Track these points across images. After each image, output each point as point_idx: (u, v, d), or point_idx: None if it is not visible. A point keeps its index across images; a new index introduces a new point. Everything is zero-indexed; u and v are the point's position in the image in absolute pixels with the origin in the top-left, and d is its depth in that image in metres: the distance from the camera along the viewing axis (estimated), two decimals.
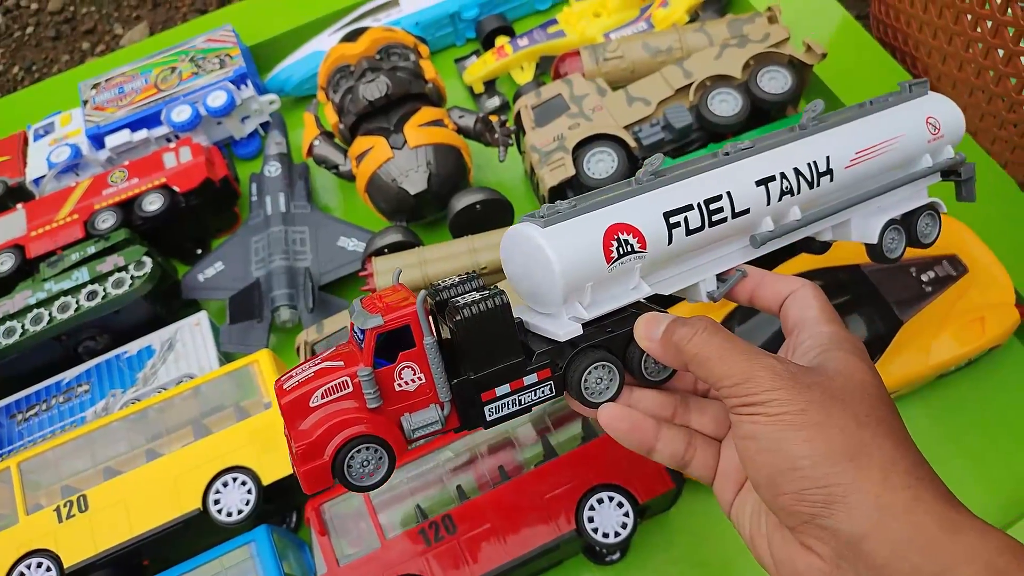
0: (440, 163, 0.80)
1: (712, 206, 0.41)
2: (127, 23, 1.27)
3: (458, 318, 0.38)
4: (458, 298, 0.39)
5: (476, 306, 0.38)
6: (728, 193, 0.41)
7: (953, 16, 0.78)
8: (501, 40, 0.99)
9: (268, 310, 0.81)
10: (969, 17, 0.76)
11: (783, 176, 0.43)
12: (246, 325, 0.80)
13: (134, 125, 0.93)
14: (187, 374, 0.77)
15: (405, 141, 0.80)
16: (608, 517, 0.62)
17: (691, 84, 0.81)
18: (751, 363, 0.35)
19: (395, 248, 0.79)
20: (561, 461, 0.65)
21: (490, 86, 0.99)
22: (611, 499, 0.62)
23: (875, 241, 0.47)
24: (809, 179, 0.43)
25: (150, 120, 0.93)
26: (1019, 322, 0.71)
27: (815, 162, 0.44)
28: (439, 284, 0.41)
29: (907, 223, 0.49)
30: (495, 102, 0.97)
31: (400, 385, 0.39)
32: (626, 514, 0.62)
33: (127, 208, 0.86)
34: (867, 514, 0.32)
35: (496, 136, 0.84)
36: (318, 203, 0.94)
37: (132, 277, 0.79)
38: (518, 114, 0.84)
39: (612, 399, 0.41)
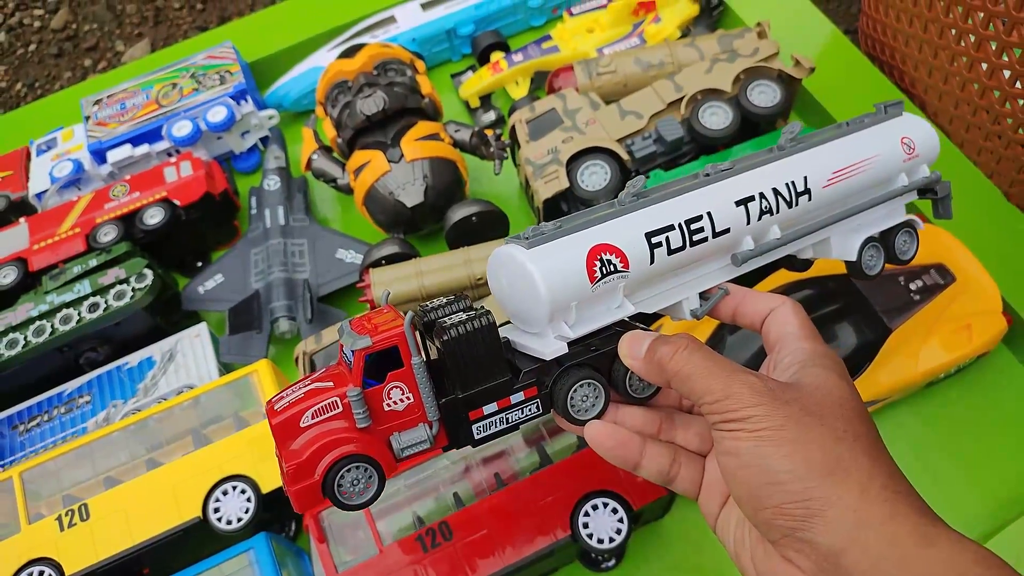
0: (436, 176, 0.82)
1: (693, 226, 0.42)
2: (129, 40, 1.29)
3: (445, 338, 0.39)
4: (445, 318, 0.40)
5: (463, 326, 0.39)
6: (708, 213, 0.42)
7: (938, 31, 0.80)
8: (496, 56, 1.01)
9: (267, 321, 0.82)
10: (953, 32, 0.78)
11: (762, 196, 0.44)
12: (245, 336, 0.81)
13: (135, 140, 0.94)
14: (187, 384, 0.78)
15: (402, 155, 0.82)
16: (603, 523, 0.63)
17: (682, 98, 0.83)
18: (731, 380, 0.36)
19: (392, 260, 0.80)
20: (556, 468, 0.66)
21: (486, 100, 1.00)
22: (606, 505, 0.63)
23: (854, 258, 0.48)
24: (788, 198, 0.45)
25: (151, 135, 0.94)
26: (1006, 329, 0.72)
27: (793, 182, 0.45)
28: (427, 305, 0.42)
29: (885, 240, 0.50)
30: (491, 116, 0.99)
31: (389, 405, 0.39)
32: (620, 520, 0.63)
33: (128, 222, 0.87)
34: (845, 528, 0.33)
35: (491, 149, 0.85)
36: (316, 216, 0.95)
37: (133, 289, 0.80)
38: (513, 128, 0.86)
39: (598, 416, 0.42)
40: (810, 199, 0.46)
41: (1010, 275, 0.74)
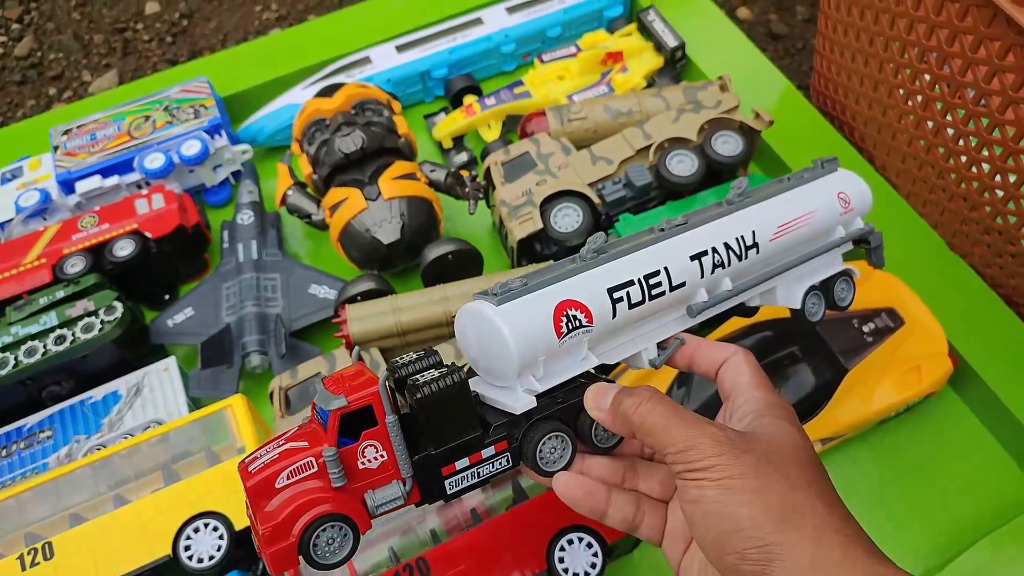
0: (413, 215, 0.83)
1: (651, 280, 0.45)
2: (96, 70, 1.28)
3: (418, 396, 0.40)
4: (418, 376, 0.42)
5: (436, 384, 0.40)
6: (665, 268, 0.45)
7: (887, 91, 0.86)
8: (469, 99, 1.04)
9: (239, 356, 0.82)
10: (901, 92, 0.84)
11: (715, 250, 0.47)
12: (216, 371, 0.81)
13: (105, 171, 0.93)
14: (155, 420, 0.77)
15: (379, 193, 0.83)
16: (578, 558, 0.64)
17: (651, 145, 0.87)
18: (693, 431, 0.39)
19: (368, 296, 0.81)
20: (531, 504, 0.67)
21: (458, 142, 1.03)
22: (580, 540, 0.65)
23: (799, 306, 0.52)
24: (738, 252, 0.48)
25: (122, 167, 0.94)
26: (951, 371, 0.76)
27: (743, 236, 0.48)
28: (397, 361, 0.43)
29: (825, 288, 0.54)
30: (463, 157, 1.01)
31: (364, 463, 0.40)
32: (595, 554, 0.64)
33: (97, 253, 0.86)
34: (802, 571, 0.35)
35: (467, 190, 0.87)
36: (288, 251, 0.96)
37: (102, 322, 0.79)
38: (488, 170, 0.88)
39: (566, 467, 0.44)
40: (758, 252, 0.49)
41: (954, 320, 0.79)
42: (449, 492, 0.43)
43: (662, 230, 0.47)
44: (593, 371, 0.45)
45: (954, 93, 0.75)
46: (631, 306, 0.44)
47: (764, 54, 1.06)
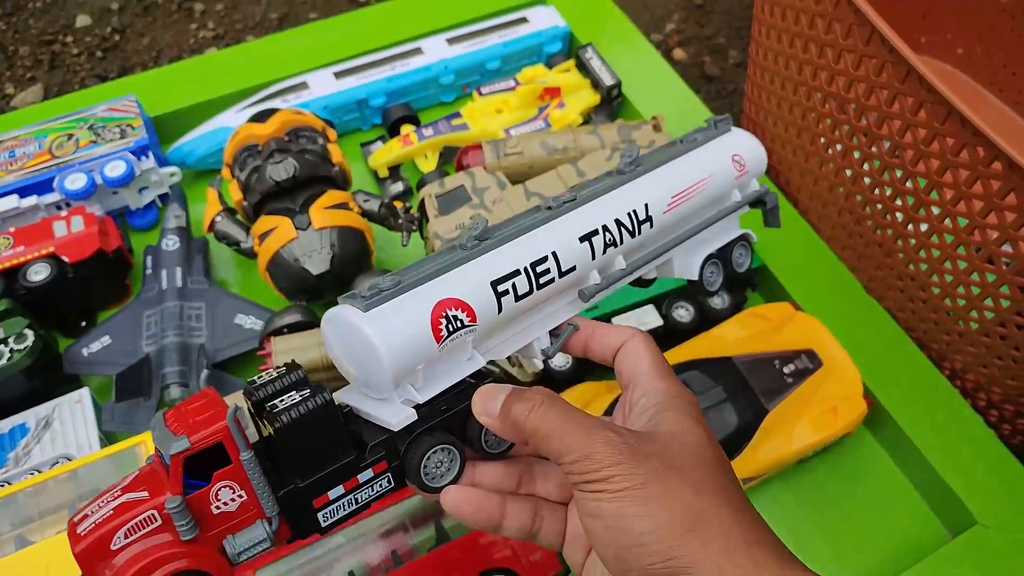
0: (344, 245, 0.82)
1: (539, 268, 0.41)
2: (20, 84, 1.23)
3: (278, 425, 0.36)
4: (277, 400, 0.37)
5: (296, 409, 0.36)
6: (553, 253, 0.42)
7: (809, 138, 0.89)
8: (407, 128, 1.03)
9: (157, 388, 0.79)
10: (823, 140, 0.87)
11: (606, 229, 0.44)
12: (132, 403, 0.78)
13: (23, 191, 0.90)
14: (64, 455, 0.74)
15: (310, 222, 0.82)
16: None
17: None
18: (589, 438, 0.36)
19: (295, 328, 0.79)
20: (454, 545, 0.66)
21: (394, 171, 1.02)
22: None
23: (696, 277, 0.50)
24: (631, 228, 0.45)
25: (41, 186, 0.90)
26: (866, 412, 0.79)
27: (635, 211, 0.45)
28: (255, 380, 0.39)
29: (723, 255, 0.52)
30: (399, 187, 1.00)
31: (219, 507, 0.36)
32: None
33: (10, 277, 0.82)
34: None
35: (400, 221, 0.87)
36: (215, 279, 0.93)
37: (11, 351, 0.75)
38: (422, 202, 0.88)
39: (454, 480, 0.41)
40: (652, 226, 0.46)
41: (869, 362, 0.82)
42: (324, 524, 0.38)
43: (549, 208, 0.44)
44: (484, 368, 0.41)
45: (870, 144, 0.79)
46: (518, 298, 0.40)
47: (697, 95, 1.09)
